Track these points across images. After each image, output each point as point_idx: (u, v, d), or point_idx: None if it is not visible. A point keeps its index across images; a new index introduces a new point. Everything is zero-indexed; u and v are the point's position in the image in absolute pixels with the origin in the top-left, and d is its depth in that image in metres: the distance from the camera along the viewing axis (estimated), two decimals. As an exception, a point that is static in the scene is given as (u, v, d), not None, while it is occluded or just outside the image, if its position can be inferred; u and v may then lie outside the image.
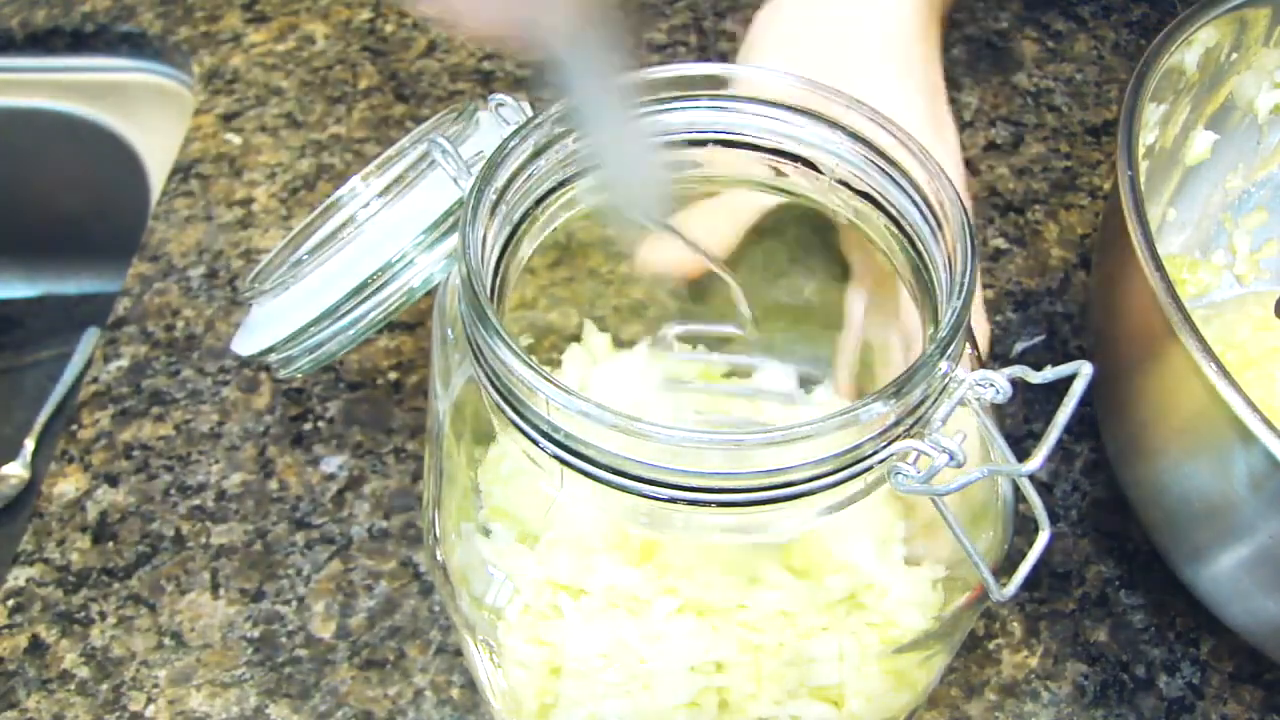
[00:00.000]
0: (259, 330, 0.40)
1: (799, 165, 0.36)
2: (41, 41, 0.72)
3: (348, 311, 0.37)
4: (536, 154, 0.34)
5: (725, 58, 0.68)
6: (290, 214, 0.61)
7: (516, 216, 0.34)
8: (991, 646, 0.45)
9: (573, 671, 0.34)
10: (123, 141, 0.71)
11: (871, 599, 0.34)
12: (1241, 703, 0.44)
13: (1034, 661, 0.45)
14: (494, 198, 0.32)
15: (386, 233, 0.37)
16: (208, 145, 0.64)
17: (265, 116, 0.65)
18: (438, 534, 0.35)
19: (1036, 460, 0.28)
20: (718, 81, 0.35)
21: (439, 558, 0.34)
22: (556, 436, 0.29)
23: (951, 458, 0.28)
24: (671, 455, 0.28)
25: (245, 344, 0.40)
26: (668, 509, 0.29)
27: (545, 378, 0.28)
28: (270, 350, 0.39)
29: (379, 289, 0.37)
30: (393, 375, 0.53)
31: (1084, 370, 0.29)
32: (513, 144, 0.33)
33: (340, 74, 0.68)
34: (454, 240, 0.35)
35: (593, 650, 0.33)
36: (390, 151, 0.42)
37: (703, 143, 0.36)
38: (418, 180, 0.37)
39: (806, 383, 0.44)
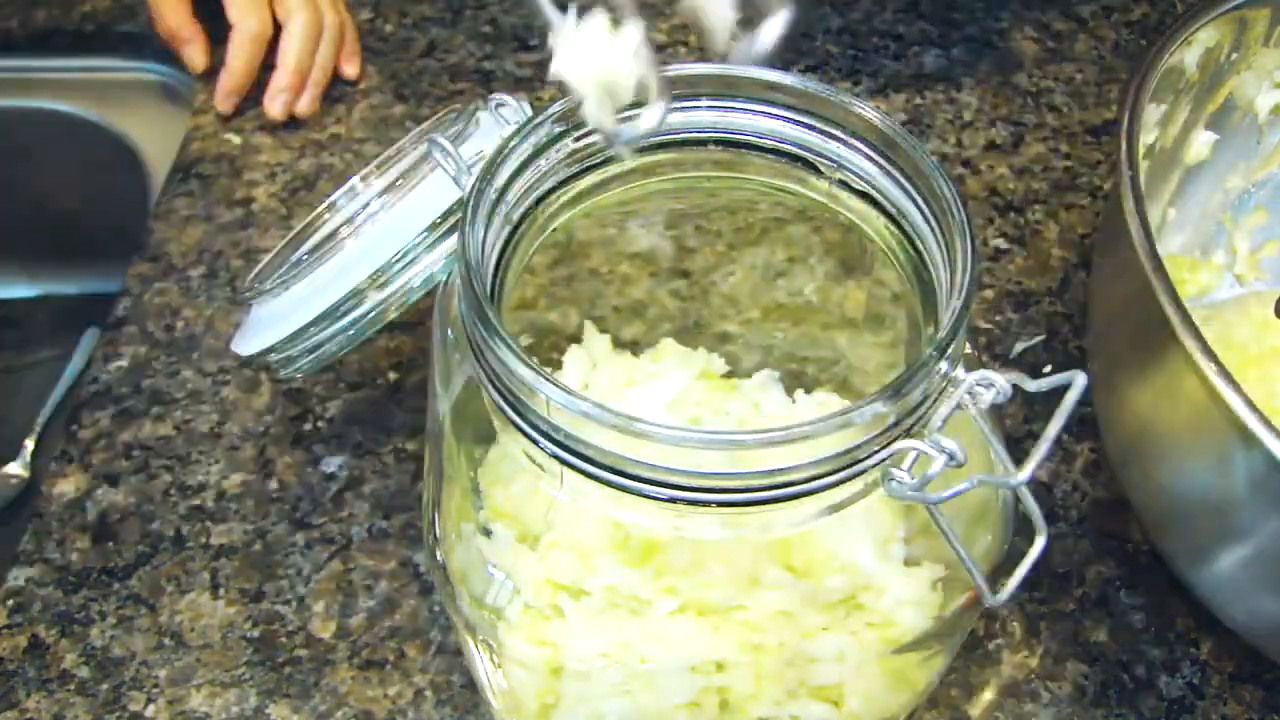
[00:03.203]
0: (259, 330, 0.40)
1: (798, 166, 0.36)
2: (42, 41, 0.72)
3: (348, 311, 0.37)
4: (536, 154, 0.34)
5: (725, 59, 0.68)
6: (290, 214, 0.61)
7: (516, 216, 0.34)
8: (991, 646, 0.45)
9: (573, 672, 0.34)
10: (123, 141, 0.71)
11: (871, 599, 0.34)
12: (1241, 703, 0.44)
13: (1034, 661, 0.45)
14: (494, 197, 0.32)
15: (386, 232, 0.37)
16: (207, 145, 0.64)
17: (265, 116, 0.65)
18: (438, 534, 0.35)
19: (1026, 471, 0.28)
20: (718, 81, 0.35)
21: (439, 558, 0.34)
22: (556, 436, 0.29)
23: (951, 458, 0.28)
24: (671, 455, 0.28)
25: (245, 344, 0.40)
26: (668, 509, 0.29)
27: (545, 378, 0.28)
28: (270, 350, 0.39)
29: (379, 289, 0.37)
30: (393, 375, 0.53)
31: (1078, 381, 0.29)
32: (513, 144, 0.33)
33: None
34: (454, 240, 0.35)
35: (593, 650, 0.33)
36: (390, 151, 0.42)
37: (703, 143, 0.36)
38: (418, 180, 0.37)
39: (807, 384, 0.44)
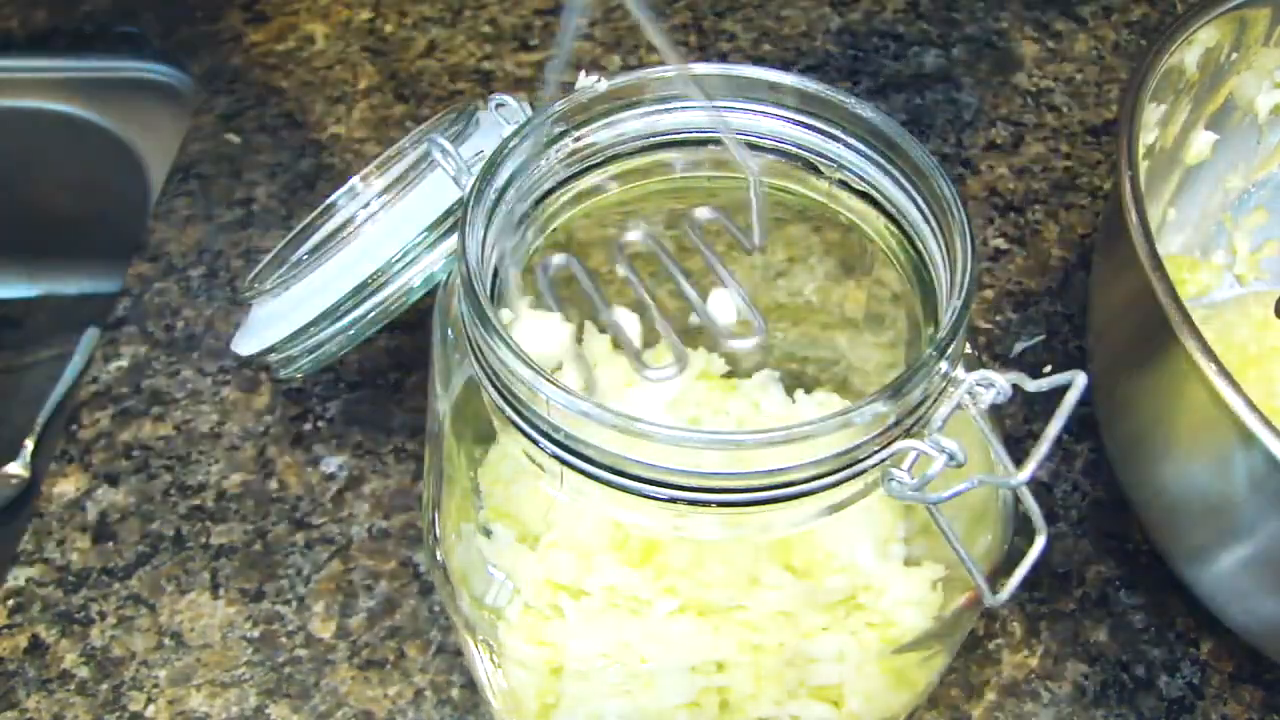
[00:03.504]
0: (259, 330, 0.40)
1: (798, 166, 0.36)
2: (41, 41, 0.72)
3: (348, 311, 0.37)
4: (536, 153, 0.34)
5: (725, 58, 0.68)
6: (290, 214, 0.61)
7: (516, 216, 0.34)
8: (992, 646, 0.45)
9: (574, 672, 0.34)
10: (123, 141, 0.71)
11: (871, 599, 0.34)
12: (1241, 703, 0.44)
13: (1034, 661, 0.45)
14: (494, 198, 0.32)
15: (386, 233, 0.37)
16: (207, 145, 0.64)
17: (265, 116, 0.65)
18: (438, 534, 0.35)
19: (1026, 472, 0.28)
20: (718, 82, 0.35)
21: (439, 558, 0.34)
22: (556, 436, 0.29)
23: (951, 458, 0.28)
24: (672, 455, 0.28)
25: (245, 344, 0.40)
26: (668, 509, 0.29)
27: (545, 378, 0.28)
28: (270, 350, 0.39)
29: (379, 289, 0.37)
30: (393, 375, 0.53)
31: (1078, 381, 0.29)
32: (513, 143, 0.33)
33: (340, 74, 0.68)
34: (454, 240, 0.35)
35: (594, 650, 0.33)
36: (390, 152, 0.42)
37: (702, 143, 0.36)
38: (417, 180, 0.37)
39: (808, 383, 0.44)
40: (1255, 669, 0.45)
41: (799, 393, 0.43)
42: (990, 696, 0.44)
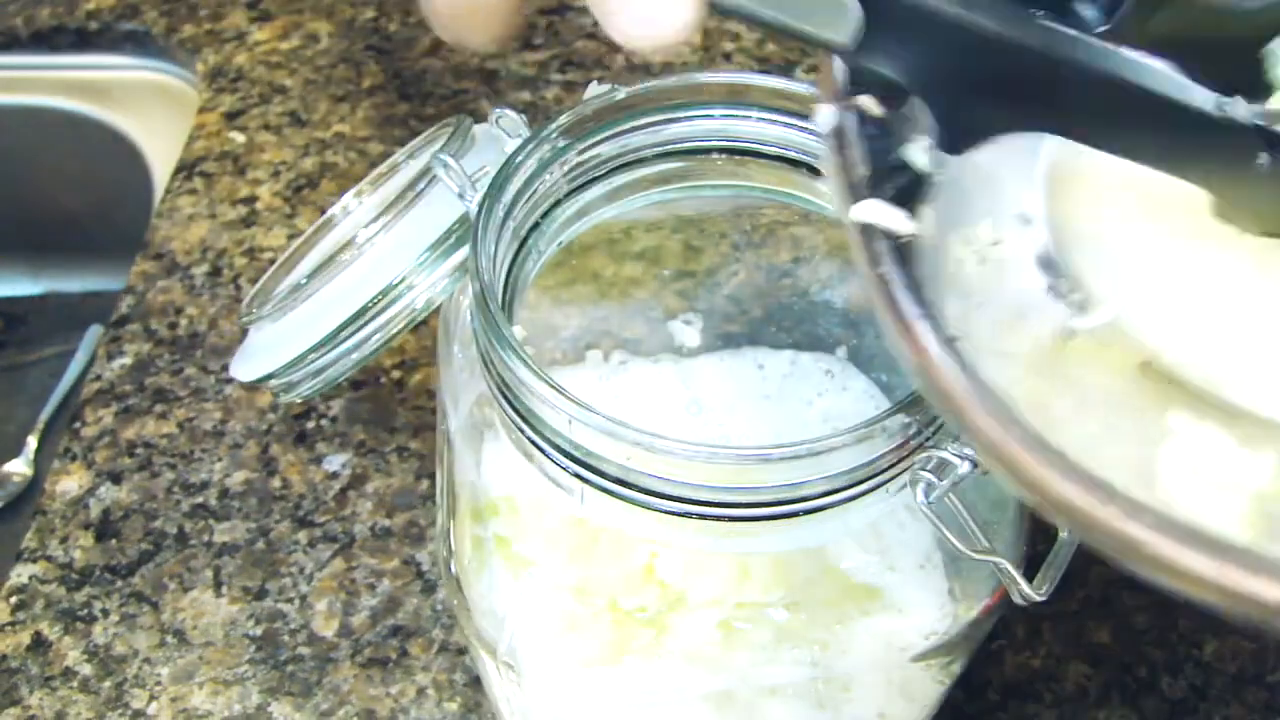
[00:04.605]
0: (259, 355, 0.39)
1: (803, 172, 0.36)
2: (45, 39, 0.73)
3: (350, 335, 0.37)
4: (542, 168, 0.34)
5: (729, 58, 0.68)
6: (294, 212, 0.61)
7: (524, 232, 0.34)
8: (994, 647, 0.45)
9: (590, 686, 0.34)
10: (126, 139, 0.71)
11: (888, 607, 0.34)
12: (1244, 704, 0.44)
13: (1036, 662, 0.45)
14: (502, 214, 0.32)
15: (387, 253, 0.36)
16: (211, 143, 0.64)
17: (269, 114, 0.65)
18: (452, 546, 0.35)
19: None
20: (725, 90, 0.35)
21: (454, 570, 0.34)
22: (574, 453, 0.29)
23: (975, 465, 0.28)
24: (688, 470, 0.28)
25: (245, 369, 0.39)
26: (681, 522, 0.29)
27: (566, 396, 0.28)
28: (270, 377, 0.38)
29: (382, 311, 0.36)
30: (395, 374, 0.53)
31: None
32: (519, 159, 0.33)
33: (344, 72, 0.68)
34: (456, 258, 0.35)
35: (611, 664, 0.33)
36: (382, 168, 0.41)
37: (707, 150, 0.36)
38: (417, 199, 0.37)
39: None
40: (1258, 671, 0.45)
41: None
42: (992, 697, 0.44)
